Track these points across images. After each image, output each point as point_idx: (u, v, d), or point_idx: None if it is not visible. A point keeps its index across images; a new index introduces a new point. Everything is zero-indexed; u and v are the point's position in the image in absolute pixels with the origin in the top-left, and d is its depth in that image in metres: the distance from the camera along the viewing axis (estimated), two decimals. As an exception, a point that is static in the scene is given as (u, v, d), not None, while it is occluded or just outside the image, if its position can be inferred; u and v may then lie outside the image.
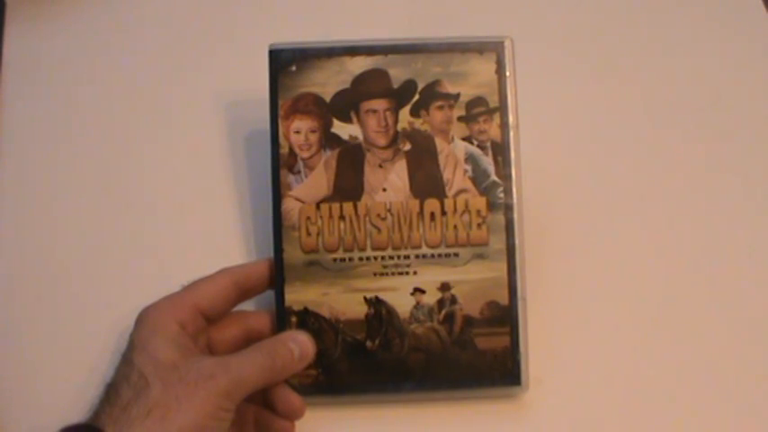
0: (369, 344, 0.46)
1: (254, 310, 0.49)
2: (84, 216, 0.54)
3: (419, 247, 0.47)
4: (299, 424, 0.45)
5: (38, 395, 0.48)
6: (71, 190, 0.55)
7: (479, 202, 0.47)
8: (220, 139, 0.57)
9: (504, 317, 0.47)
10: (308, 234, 0.47)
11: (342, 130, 0.48)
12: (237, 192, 0.55)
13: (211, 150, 0.56)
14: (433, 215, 0.47)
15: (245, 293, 0.47)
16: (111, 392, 0.41)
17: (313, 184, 0.47)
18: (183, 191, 0.55)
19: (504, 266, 0.47)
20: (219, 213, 0.54)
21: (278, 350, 0.44)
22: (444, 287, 0.47)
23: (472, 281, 0.47)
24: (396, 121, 0.47)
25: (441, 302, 0.47)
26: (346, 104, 0.48)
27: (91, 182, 0.55)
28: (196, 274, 0.46)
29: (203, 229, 0.54)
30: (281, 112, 0.48)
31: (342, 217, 0.47)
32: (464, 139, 0.48)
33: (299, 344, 0.45)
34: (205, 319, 0.45)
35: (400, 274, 0.47)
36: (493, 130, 0.48)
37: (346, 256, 0.47)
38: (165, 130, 0.57)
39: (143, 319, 0.43)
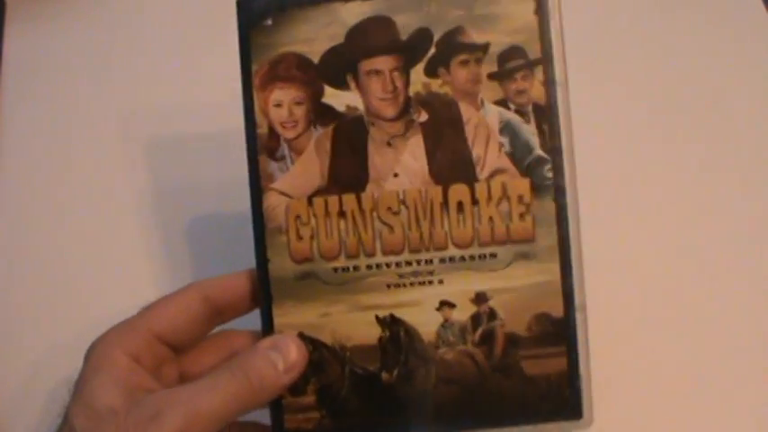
0: (385, 375, 0.39)
1: (240, 330, 0.42)
2: (84, 215, 0.54)
3: (445, 247, 0.39)
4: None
5: (38, 395, 0.47)
6: (71, 189, 0.55)
7: (521, 186, 0.39)
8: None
9: (559, 333, 0.39)
10: (300, 238, 0.39)
11: (336, 99, 0.39)
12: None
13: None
14: (460, 205, 0.39)
15: (219, 314, 0.40)
16: None
17: (302, 172, 0.39)
18: (182, 192, 0.55)
19: (556, 268, 0.39)
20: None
21: (253, 364, 0.37)
22: (479, 298, 0.39)
23: (515, 288, 0.39)
24: (407, 84, 0.39)
25: (475, 318, 0.39)
26: (340, 65, 0.39)
27: (90, 182, 0.55)
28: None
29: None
30: (255, 81, 0.39)
31: (341, 213, 0.39)
32: (497, 104, 0.39)
33: (282, 350, 0.38)
34: (170, 348, 0.39)
35: (421, 284, 0.39)
36: (535, 90, 0.39)
37: (350, 264, 0.39)
38: (165, 130, 0.57)
39: (88, 355, 0.38)
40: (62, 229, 0.54)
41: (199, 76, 0.58)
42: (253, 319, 0.40)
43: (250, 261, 0.40)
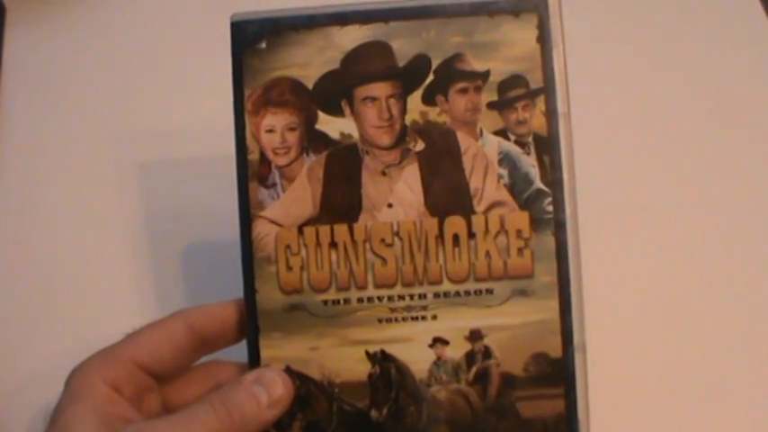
0: (374, 413, 0.38)
1: (228, 360, 0.41)
2: (83, 217, 0.53)
3: (439, 282, 0.37)
4: None
5: (37, 395, 0.44)
6: (71, 192, 0.55)
7: (520, 219, 0.37)
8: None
9: (557, 374, 0.37)
10: (289, 268, 0.38)
11: (330, 125, 0.38)
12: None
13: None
14: (456, 238, 0.37)
15: (205, 344, 0.39)
16: None
17: (293, 200, 0.38)
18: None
19: (555, 305, 0.37)
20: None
21: (234, 399, 0.35)
22: (474, 336, 0.37)
23: (512, 326, 0.37)
24: (403, 112, 0.38)
25: (470, 356, 0.38)
26: (335, 91, 0.38)
27: (90, 184, 0.55)
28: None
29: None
30: (247, 105, 0.38)
31: (333, 244, 0.38)
32: (497, 134, 0.38)
33: (267, 384, 0.36)
34: (153, 377, 0.38)
35: (414, 319, 0.37)
36: (536, 120, 0.38)
37: (341, 296, 0.38)
38: (163, 133, 0.56)
39: (68, 382, 0.37)
40: (62, 229, 0.53)
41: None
42: (242, 350, 0.39)
43: (241, 289, 0.38)
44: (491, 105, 0.38)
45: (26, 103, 0.58)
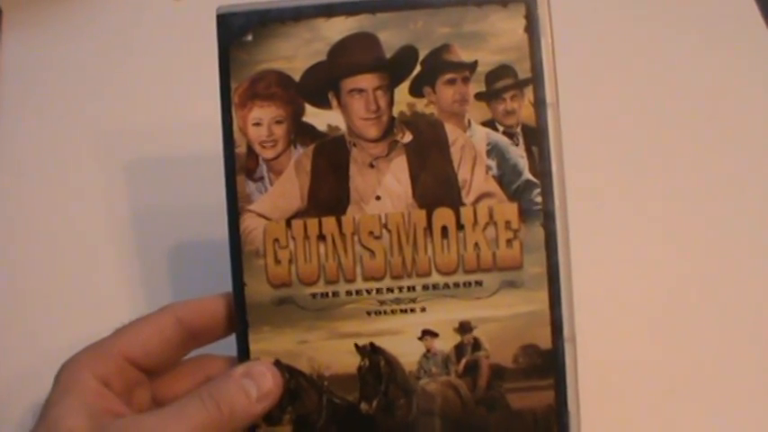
0: (364, 406, 0.37)
1: (217, 354, 0.40)
2: (72, 214, 0.54)
3: (428, 274, 0.37)
4: None
5: (27, 390, 0.44)
6: (62, 190, 0.55)
7: (509, 210, 0.37)
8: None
9: (547, 365, 0.37)
10: (277, 262, 0.37)
11: (317, 118, 0.38)
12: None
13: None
14: (445, 230, 0.37)
15: (194, 338, 0.39)
16: None
17: (281, 193, 0.38)
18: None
19: (544, 296, 0.37)
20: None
21: (224, 392, 0.35)
22: (464, 328, 0.37)
23: (501, 318, 0.37)
24: (391, 104, 0.38)
25: (459, 348, 0.37)
26: (322, 83, 0.38)
27: (81, 182, 0.55)
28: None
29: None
30: (234, 99, 0.38)
31: (321, 237, 0.37)
32: (485, 125, 0.37)
33: (256, 378, 0.36)
34: (143, 371, 0.38)
35: (403, 311, 0.37)
36: (524, 111, 0.37)
37: (329, 289, 0.37)
38: (152, 131, 0.56)
39: (58, 376, 0.36)
40: (63, 231, 0.53)
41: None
42: (231, 344, 0.38)
43: (230, 283, 0.38)
44: (479, 96, 0.37)
45: (20, 104, 0.58)
